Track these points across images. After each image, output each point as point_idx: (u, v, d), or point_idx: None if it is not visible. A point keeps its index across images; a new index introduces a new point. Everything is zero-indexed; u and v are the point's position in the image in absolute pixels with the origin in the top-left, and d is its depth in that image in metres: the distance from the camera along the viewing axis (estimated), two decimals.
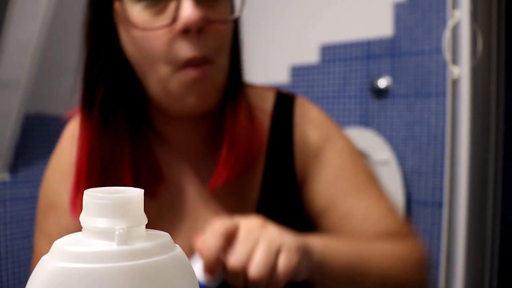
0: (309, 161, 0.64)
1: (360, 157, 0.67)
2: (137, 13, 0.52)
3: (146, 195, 0.56)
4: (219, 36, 0.54)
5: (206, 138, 0.63)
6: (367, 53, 1.59)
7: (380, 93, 1.56)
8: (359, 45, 1.61)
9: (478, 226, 1.28)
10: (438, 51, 1.41)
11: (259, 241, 0.45)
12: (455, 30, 1.28)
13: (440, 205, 1.42)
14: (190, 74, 0.53)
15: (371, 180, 0.65)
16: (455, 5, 1.27)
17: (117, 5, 0.54)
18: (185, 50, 0.52)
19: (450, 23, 1.28)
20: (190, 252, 0.60)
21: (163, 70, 0.53)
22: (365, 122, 1.59)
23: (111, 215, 0.25)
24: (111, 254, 0.23)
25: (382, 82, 1.55)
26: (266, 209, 0.61)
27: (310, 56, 1.72)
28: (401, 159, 1.51)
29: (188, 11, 0.50)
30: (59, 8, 1.47)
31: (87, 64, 0.58)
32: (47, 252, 0.24)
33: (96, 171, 0.56)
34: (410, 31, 1.49)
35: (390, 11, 1.53)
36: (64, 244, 0.24)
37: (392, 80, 1.53)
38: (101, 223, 0.25)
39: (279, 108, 0.65)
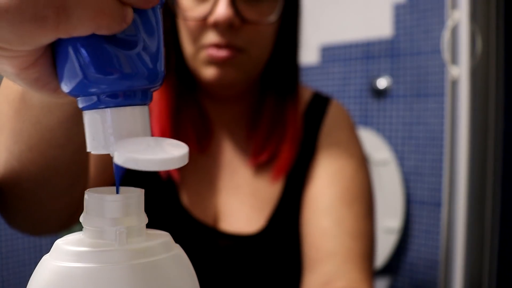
0: (322, 154, 0.67)
1: (364, 174, 0.67)
2: None
3: (197, 149, 0.62)
4: (254, 33, 0.59)
5: (243, 118, 0.68)
6: (366, 53, 1.60)
7: (380, 93, 1.56)
8: (359, 46, 1.61)
9: (477, 226, 1.28)
10: (437, 51, 1.41)
11: None
12: (454, 30, 1.28)
13: (439, 205, 1.43)
14: (211, 53, 0.58)
15: (360, 201, 0.64)
16: (454, 6, 1.27)
17: None
18: (211, 37, 0.57)
19: (449, 24, 1.28)
20: (216, 213, 0.64)
21: (190, 48, 0.60)
22: (364, 122, 1.60)
23: (112, 214, 0.25)
24: (112, 253, 0.24)
25: (382, 83, 1.55)
26: (290, 193, 0.65)
27: (310, 56, 1.72)
28: (401, 159, 1.51)
29: (221, 9, 0.55)
30: None
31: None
32: None
33: (173, 120, 0.64)
34: (410, 32, 1.49)
35: (390, 12, 1.53)
36: (65, 244, 0.25)
37: (391, 80, 1.54)
38: (102, 222, 0.25)
39: (314, 103, 0.70)
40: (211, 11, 0.56)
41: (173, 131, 0.64)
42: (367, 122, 1.59)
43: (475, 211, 1.27)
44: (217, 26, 0.56)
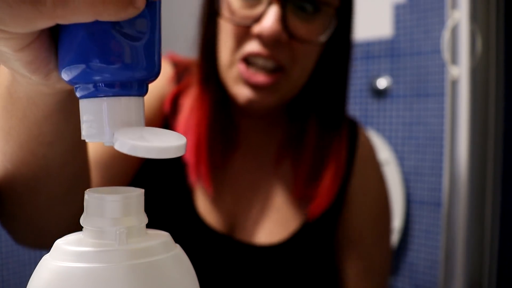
0: (356, 184, 0.66)
1: (389, 211, 0.69)
2: None
3: (220, 164, 0.60)
4: (298, 51, 0.54)
5: (274, 136, 0.65)
6: (366, 53, 1.60)
7: (380, 93, 1.56)
8: (358, 46, 1.61)
9: (477, 226, 1.28)
10: (437, 51, 1.41)
11: None
12: (454, 30, 1.28)
13: (439, 205, 1.42)
14: (247, 76, 0.54)
15: (387, 236, 0.68)
16: (454, 6, 1.27)
17: None
18: (252, 45, 0.53)
19: (449, 24, 1.28)
20: (232, 222, 0.63)
21: (226, 54, 0.55)
22: (364, 122, 1.60)
23: (112, 214, 0.25)
24: (112, 253, 0.24)
25: (382, 83, 1.55)
26: (320, 222, 0.64)
27: None
28: (401, 159, 1.51)
29: (268, 23, 0.50)
30: None
31: (203, 43, 0.60)
32: None
33: (215, 135, 0.60)
34: (410, 32, 1.49)
35: (390, 12, 1.53)
36: (65, 244, 0.25)
37: (391, 80, 1.54)
38: (102, 222, 0.25)
39: (348, 132, 0.67)
40: (258, 20, 0.51)
41: (208, 142, 0.60)
42: (367, 122, 1.59)
43: (475, 211, 1.27)
44: (261, 39, 0.52)
